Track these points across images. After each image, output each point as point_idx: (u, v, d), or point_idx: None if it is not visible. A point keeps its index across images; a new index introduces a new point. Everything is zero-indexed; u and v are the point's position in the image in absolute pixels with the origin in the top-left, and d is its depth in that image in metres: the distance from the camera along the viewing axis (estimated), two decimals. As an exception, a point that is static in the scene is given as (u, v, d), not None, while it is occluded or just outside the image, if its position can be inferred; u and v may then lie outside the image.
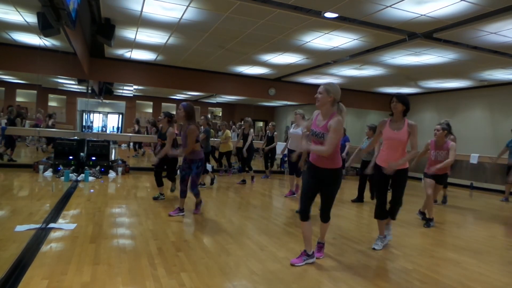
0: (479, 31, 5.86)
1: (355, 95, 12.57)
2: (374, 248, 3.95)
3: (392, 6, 5.11)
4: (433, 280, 3.17)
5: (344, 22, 5.91)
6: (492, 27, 5.62)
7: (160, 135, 6.02)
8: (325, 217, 3.47)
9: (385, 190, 3.96)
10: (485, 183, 9.85)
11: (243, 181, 8.48)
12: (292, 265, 3.27)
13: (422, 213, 5.51)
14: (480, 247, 4.36)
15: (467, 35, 6.09)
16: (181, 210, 4.96)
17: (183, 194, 4.95)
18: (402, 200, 4.02)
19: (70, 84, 12.78)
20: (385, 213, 3.98)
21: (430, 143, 5.40)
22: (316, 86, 13.00)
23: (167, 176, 6.21)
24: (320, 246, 3.63)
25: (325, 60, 8.70)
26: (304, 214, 3.34)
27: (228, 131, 9.11)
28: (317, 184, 3.33)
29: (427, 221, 5.25)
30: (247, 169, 8.53)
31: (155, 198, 5.93)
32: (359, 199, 6.94)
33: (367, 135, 6.69)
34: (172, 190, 6.52)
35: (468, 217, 6.31)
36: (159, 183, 6.00)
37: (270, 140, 9.28)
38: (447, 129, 5.31)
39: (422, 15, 5.39)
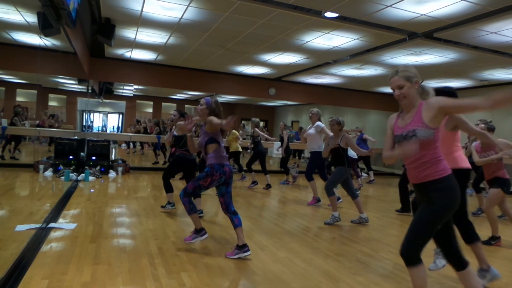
0: (479, 31, 5.86)
1: (355, 95, 12.57)
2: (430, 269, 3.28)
3: (392, 5, 5.11)
4: (434, 279, 3.17)
5: (344, 22, 5.90)
6: (492, 26, 5.61)
7: (177, 139, 5.36)
8: (404, 250, 2.18)
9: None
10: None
11: (269, 186, 7.99)
12: None
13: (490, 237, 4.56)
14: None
15: (468, 34, 6.09)
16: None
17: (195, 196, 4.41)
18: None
19: (70, 84, 12.80)
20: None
21: (475, 146, 4.73)
22: (316, 86, 12.97)
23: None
24: None
25: (325, 59, 8.69)
26: (408, 256, 2.18)
27: (234, 131, 8.72)
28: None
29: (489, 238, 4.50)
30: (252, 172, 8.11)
31: (163, 207, 5.36)
32: (404, 209, 6.03)
33: None
34: (163, 207, 5.42)
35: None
36: (169, 189, 5.34)
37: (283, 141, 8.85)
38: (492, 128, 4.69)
39: (422, 14, 5.38)
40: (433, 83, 10.58)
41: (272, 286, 2.83)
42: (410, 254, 2.14)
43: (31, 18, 6.06)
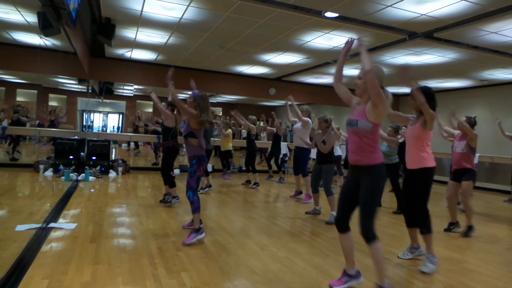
0: (479, 31, 5.86)
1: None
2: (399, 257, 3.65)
3: (393, 5, 5.11)
4: (434, 279, 3.17)
5: (345, 22, 5.90)
6: (492, 26, 5.61)
7: (165, 130, 5.54)
8: (363, 230, 2.64)
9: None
10: (485, 183, 9.84)
11: (248, 182, 8.34)
12: (331, 287, 2.82)
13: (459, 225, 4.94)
14: (480, 246, 4.36)
15: (468, 34, 6.09)
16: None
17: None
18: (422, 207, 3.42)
19: (71, 84, 12.79)
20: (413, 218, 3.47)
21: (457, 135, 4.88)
22: (317, 85, 13.04)
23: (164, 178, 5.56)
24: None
25: (325, 59, 8.70)
26: (340, 223, 2.78)
27: (230, 130, 8.94)
28: (356, 188, 2.70)
29: (467, 229, 4.78)
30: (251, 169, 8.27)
31: (162, 201, 5.46)
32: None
33: (389, 134, 6.06)
34: (163, 201, 5.57)
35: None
36: (171, 183, 5.42)
37: (277, 138, 8.90)
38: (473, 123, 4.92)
39: (422, 14, 5.38)
40: (433, 83, 10.58)
41: (272, 286, 2.83)
42: (368, 234, 2.63)
43: (31, 18, 6.06)
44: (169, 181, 5.48)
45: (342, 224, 2.77)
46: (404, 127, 5.70)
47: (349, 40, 2.97)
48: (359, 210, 2.66)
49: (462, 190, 4.83)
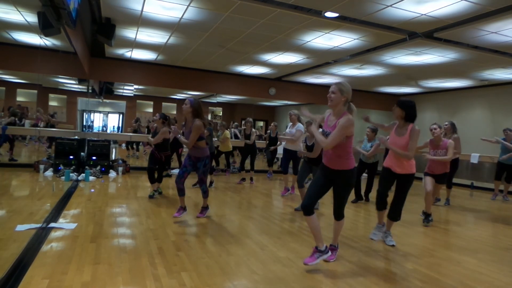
0: (479, 31, 5.86)
1: (356, 94, 12.36)
2: (372, 239, 4.24)
3: (393, 5, 5.11)
4: (434, 279, 3.17)
5: (345, 22, 5.90)
6: (492, 26, 5.61)
7: (154, 135, 6.27)
8: (338, 214, 3.41)
9: (389, 187, 4.17)
10: (485, 183, 9.84)
11: (243, 180, 8.60)
12: (306, 264, 3.18)
13: (425, 214, 5.46)
14: (480, 246, 4.36)
15: (468, 34, 6.09)
16: (183, 208, 4.84)
17: (181, 193, 4.78)
18: (404, 202, 4.09)
19: (71, 84, 12.78)
20: (386, 204, 4.18)
21: (428, 142, 5.44)
22: (317, 85, 13.05)
23: (157, 178, 6.15)
24: (333, 248, 3.52)
25: (325, 59, 8.69)
26: (308, 208, 3.24)
27: (227, 131, 9.06)
28: (328, 184, 3.31)
29: (426, 217, 5.30)
30: (247, 169, 8.63)
31: (150, 197, 5.99)
32: (358, 198, 6.93)
33: (368, 136, 6.66)
34: (159, 193, 6.33)
35: (469, 216, 6.31)
36: (152, 180, 6.06)
37: (273, 140, 9.14)
38: (453, 129, 5.54)
39: (422, 14, 5.38)
40: (433, 83, 10.59)
41: (272, 286, 2.83)
42: (341, 216, 3.45)
43: (31, 18, 6.06)
44: (159, 178, 6.17)
45: (310, 209, 3.27)
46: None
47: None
48: (335, 202, 3.37)
49: (437, 188, 5.63)
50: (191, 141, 4.54)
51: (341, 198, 3.35)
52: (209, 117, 15.89)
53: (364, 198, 6.96)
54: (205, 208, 4.96)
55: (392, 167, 4.02)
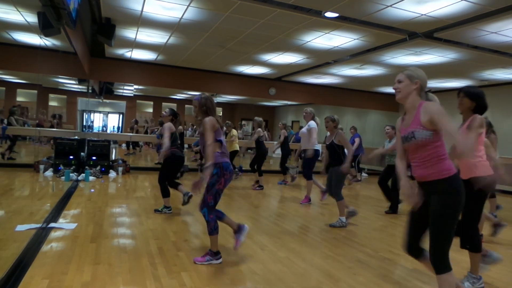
0: (479, 31, 5.86)
1: (356, 95, 12.57)
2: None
3: (393, 5, 5.11)
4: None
5: (345, 22, 5.90)
6: (492, 26, 5.61)
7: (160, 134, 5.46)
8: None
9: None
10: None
11: (258, 184, 7.92)
12: None
13: None
14: (480, 247, 4.36)
15: (468, 34, 6.08)
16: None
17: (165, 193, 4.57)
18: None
19: (71, 84, 12.78)
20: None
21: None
22: (317, 86, 13.00)
23: (168, 183, 5.25)
24: None
25: (325, 59, 8.69)
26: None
27: (234, 130, 8.86)
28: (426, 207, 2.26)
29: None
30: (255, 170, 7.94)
31: (158, 211, 5.09)
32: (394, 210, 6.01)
33: (389, 134, 6.13)
34: (184, 203, 5.14)
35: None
36: (165, 193, 5.12)
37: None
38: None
39: (422, 14, 5.38)
40: (433, 83, 10.58)
41: (272, 286, 2.83)
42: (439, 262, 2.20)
43: (31, 18, 6.06)
44: (162, 190, 5.14)
45: (412, 250, 2.38)
46: None
47: None
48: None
49: None
50: (209, 141, 3.19)
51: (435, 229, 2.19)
52: None
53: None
54: (212, 253, 3.29)
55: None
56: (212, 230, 3.23)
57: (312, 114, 6.42)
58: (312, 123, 6.37)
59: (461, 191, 2.17)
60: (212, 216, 3.25)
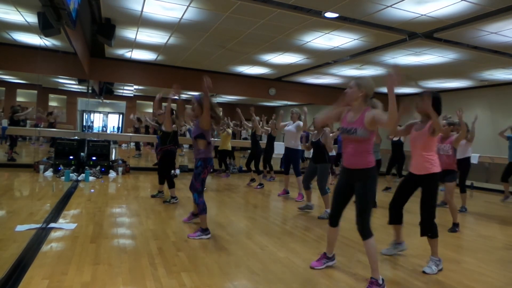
0: (479, 31, 5.86)
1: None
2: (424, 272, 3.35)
3: (393, 6, 5.11)
4: (434, 280, 3.17)
5: (345, 22, 5.91)
6: (492, 27, 5.62)
7: (164, 134, 5.73)
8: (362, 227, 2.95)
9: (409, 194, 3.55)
10: (485, 183, 9.84)
11: (252, 180, 8.29)
12: (312, 268, 3.22)
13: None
14: (480, 247, 4.36)
15: (468, 35, 6.09)
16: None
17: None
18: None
19: (71, 84, 12.79)
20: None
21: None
22: (316, 86, 13.01)
23: (166, 179, 5.79)
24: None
25: (325, 60, 8.70)
26: (333, 219, 3.15)
27: (228, 129, 8.99)
28: (351, 188, 3.00)
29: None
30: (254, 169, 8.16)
31: (167, 202, 5.60)
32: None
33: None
34: (165, 201, 5.66)
35: (469, 217, 6.30)
36: (170, 183, 5.66)
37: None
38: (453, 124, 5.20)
39: (422, 15, 5.38)
40: (433, 83, 10.58)
41: (272, 286, 2.83)
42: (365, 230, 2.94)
43: (31, 18, 6.06)
44: (168, 182, 5.75)
45: (334, 220, 3.16)
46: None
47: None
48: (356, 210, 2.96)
49: (446, 190, 5.08)
50: (205, 113, 3.86)
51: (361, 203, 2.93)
52: None
53: None
54: (202, 230, 3.98)
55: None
56: (201, 211, 3.98)
57: (299, 115, 6.71)
58: (300, 123, 6.62)
59: (376, 177, 2.97)
60: (201, 199, 4.00)
